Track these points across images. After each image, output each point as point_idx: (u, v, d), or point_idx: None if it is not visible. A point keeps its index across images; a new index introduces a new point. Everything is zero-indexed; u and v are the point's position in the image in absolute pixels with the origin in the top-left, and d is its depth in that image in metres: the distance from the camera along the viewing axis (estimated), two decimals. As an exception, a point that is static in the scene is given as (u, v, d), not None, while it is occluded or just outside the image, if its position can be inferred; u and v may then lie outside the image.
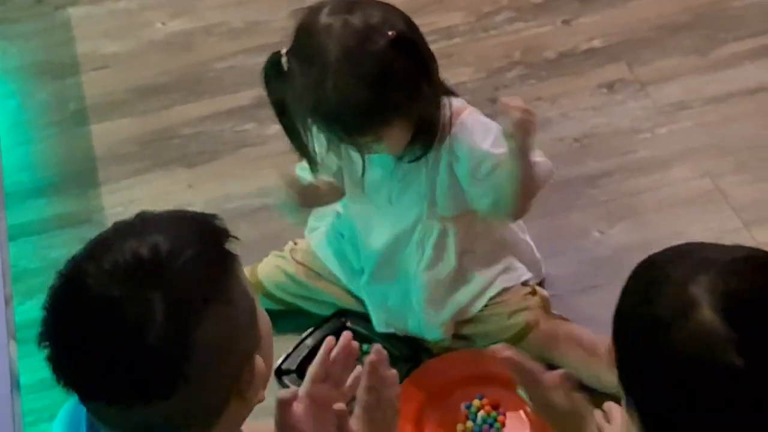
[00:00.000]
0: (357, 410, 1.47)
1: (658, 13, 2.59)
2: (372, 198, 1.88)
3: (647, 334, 1.13)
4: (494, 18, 2.66)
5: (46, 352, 1.16)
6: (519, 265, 1.96)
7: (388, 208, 1.88)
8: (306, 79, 1.68)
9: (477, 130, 1.78)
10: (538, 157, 1.77)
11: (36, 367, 2.01)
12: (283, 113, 1.78)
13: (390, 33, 1.65)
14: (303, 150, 1.80)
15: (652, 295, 1.15)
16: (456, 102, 1.80)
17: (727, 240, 2.08)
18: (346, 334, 1.56)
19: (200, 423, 1.16)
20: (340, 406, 1.43)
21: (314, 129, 1.77)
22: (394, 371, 1.50)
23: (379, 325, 1.95)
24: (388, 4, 1.72)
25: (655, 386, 1.13)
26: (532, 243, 2.02)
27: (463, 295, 1.91)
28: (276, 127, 2.42)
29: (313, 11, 1.69)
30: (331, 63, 1.64)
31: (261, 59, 2.65)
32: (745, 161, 2.27)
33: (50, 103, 2.59)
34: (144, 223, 1.18)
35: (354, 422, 1.45)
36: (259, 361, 1.18)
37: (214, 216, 1.19)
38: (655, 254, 1.22)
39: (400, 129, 1.72)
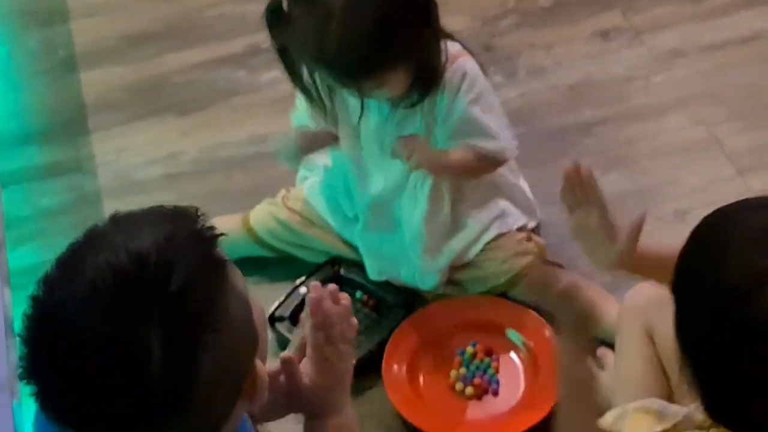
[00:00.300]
0: (308, 352, 1.38)
1: (654, -39, 2.57)
2: (366, 145, 1.87)
3: (719, 302, 1.11)
4: (489, -35, 2.63)
5: (31, 388, 1.04)
6: (514, 210, 1.96)
7: (382, 156, 1.87)
8: (308, 23, 1.66)
9: (469, 83, 1.78)
10: (485, 142, 1.80)
11: (28, 314, 2.03)
12: (285, 58, 1.76)
13: None
14: (308, 94, 1.79)
15: (720, 258, 1.12)
16: (452, 47, 1.78)
17: (721, 187, 2.11)
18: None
19: (208, 431, 1.10)
20: (284, 354, 1.37)
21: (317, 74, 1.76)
22: (342, 305, 1.37)
23: (373, 273, 1.95)
24: None
25: (723, 353, 1.11)
26: (526, 187, 2.01)
27: (458, 242, 1.91)
28: (268, 75, 2.44)
29: None
30: (335, 8, 1.63)
31: (253, 7, 2.61)
32: (740, 109, 2.26)
33: (39, 50, 2.57)
34: (120, 228, 1.06)
35: (305, 365, 1.37)
36: (259, 365, 1.12)
37: (197, 212, 1.10)
38: (723, 210, 1.19)
39: (402, 74, 1.72)
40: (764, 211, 1.17)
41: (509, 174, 1.98)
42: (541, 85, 2.34)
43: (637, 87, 2.33)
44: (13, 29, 2.63)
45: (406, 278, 1.94)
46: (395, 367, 1.84)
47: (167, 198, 2.16)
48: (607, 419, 1.37)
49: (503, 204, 1.95)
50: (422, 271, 1.92)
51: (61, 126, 2.39)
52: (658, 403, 1.39)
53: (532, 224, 1.99)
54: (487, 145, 1.81)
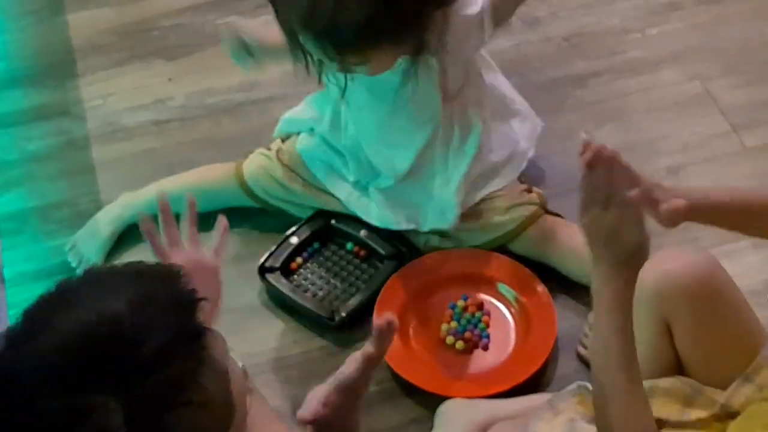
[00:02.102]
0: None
1: None
2: (381, 98, 1.81)
3: None
4: None
5: None
6: (521, 147, 1.94)
7: (400, 113, 1.82)
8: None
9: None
10: None
11: (15, 260, 2.02)
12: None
13: None
14: (298, 58, 1.71)
15: None
16: None
17: (715, 143, 2.10)
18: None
19: None
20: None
21: None
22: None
23: (399, 223, 1.90)
24: None
25: None
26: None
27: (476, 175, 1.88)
28: (258, 20, 2.39)
29: None
30: None
31: (242, -51, 2.57)
32: (735, 64, 2.24)
33: (26, -9, 2.52)
34: (94, 285, 0.99)
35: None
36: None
37: (179, 273, 1.03)
38: None
39: (389, 53, 1.68)
40: None
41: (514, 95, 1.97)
42: (536, 36, 2.31)
43: (633, 39, 2.31)
44: (-2, -31, 2.58)
45: (428, 220, 1.89)
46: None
47: (154, 144, 2.19)
48: None
49: (513, 134, 1.93)
50: (444, 206, 1.87)
51: (49, 69, 2.35)
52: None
53: (531, 153, 1.96)
54: None
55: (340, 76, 1.75)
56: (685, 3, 2.36)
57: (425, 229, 1.91)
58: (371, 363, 1.26)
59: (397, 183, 1.91)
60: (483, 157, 1.89)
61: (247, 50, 1.87)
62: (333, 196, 1.96)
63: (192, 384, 0.98)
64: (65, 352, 0.94)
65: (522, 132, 1.97)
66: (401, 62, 1.72)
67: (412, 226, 1.91)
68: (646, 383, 1.39)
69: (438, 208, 1.89)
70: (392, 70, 1.73)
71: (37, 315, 0.99)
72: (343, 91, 1.77)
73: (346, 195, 1.96)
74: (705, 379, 1.47)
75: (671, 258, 1.48)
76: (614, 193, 1.27)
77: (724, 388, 1.44)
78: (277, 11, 1.68)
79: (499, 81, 1.98)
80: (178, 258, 1.44)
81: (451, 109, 1.84)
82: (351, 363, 1.23)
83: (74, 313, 0.96)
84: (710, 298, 1.46)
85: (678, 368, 1.51)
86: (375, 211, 1.93)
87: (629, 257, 1.28)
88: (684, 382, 1.47)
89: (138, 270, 1.03)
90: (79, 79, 2.32)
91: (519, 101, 2.00)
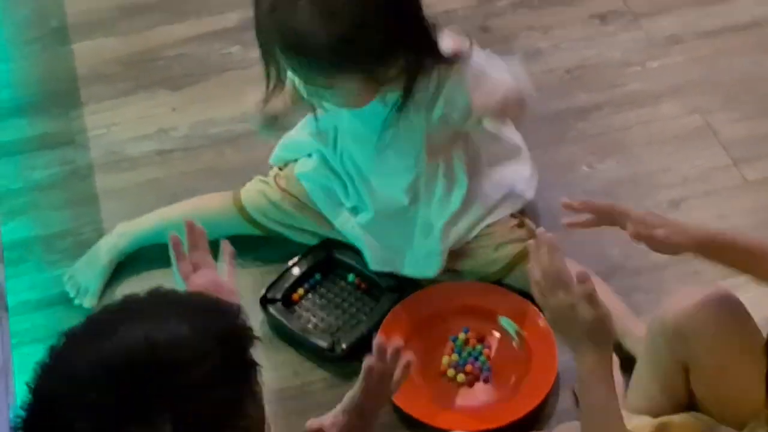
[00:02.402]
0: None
1: (654, -57, 2.55)
2: (368, 132, 1.83)
3: None
4: (485, -56, 2.61)
5: None
6: (517, 189, 1.93)
7: (381, 156, 1.84)
8: (274, 9, 1.63)
9: (476, 85, 1.76)
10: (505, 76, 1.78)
11: (19, 288, 2.02)
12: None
13: None
14: (269, 73, 1.73)
15: None
16: (446, 40, 1.73)
17: (715, 176, 2.11)
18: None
19: None
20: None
21: None
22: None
23: (376, 264, 1.93)
24: None
25: None
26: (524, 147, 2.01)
27: (464, 222, 1.88)
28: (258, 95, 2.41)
29: None
30: None
31: (246, -21, 2.58)
32: (736, 98, 2.25)
33: (31, 19, 2.54)
34: (157, 306, 1.03)
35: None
36: None
37: (239, 310, 1.07)
38: None
39: (356, 84, 1.67)
40: None
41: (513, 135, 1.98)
42: (538, 68, 2.32)
43: (634, 72, 2.32)
44: (4, -3, 2.60)
45: (409, 267, 1.91)
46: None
47: (158, 174, 2.20)
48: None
49: (509, 179, 1.93)
50: (427, 254, 1.89)
51: (53, 97, 2.36)
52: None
53: (530, 195, 1.97)
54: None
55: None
56: (685, 37, 2.37)
57: (404, 273, 1.92)
58: (371, 374, 1.28)
59: (378, 219, 1.91)
60: (472, 204, 1.89)
61: (276, 122, 1.88)
62: (329, 220, 1.97)
63: (239, 411, 1.01)
64: (124, 367, 0.97)
65: (520, 174, 1.97)
66: (381, 103, 1.73)
67: (388, 269, 1.92)
68: (661, 419, 1.40)
69: (419, 254, 1.90)
70: (376, 108, 1.74)
71: (93, 328, 1.02)
72: (315, 114, 1.80)
73: (341, 222, 1.96)
74: (720, 417, 1.47)
75: (689, 296, 1.50)
76: (561, 278, 1.34)
77: (739, 427, 1.44)
78: (258, 29, 1.69)
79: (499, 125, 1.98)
80: (200, 280, 1.47)
81: (437, 161, 1.85)
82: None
83: (138, 328, 0.99)
84: (729, 335, 1.46)
85: (693, 404, 1.51)
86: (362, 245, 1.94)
87: (590, 335, 1.33)
88: (699, 419, 1.47)
89: (200, 299, 1.08)
90: (84, 108, 2.33)
91: (518, 140, 1.99)
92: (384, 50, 1.64)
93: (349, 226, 1.95)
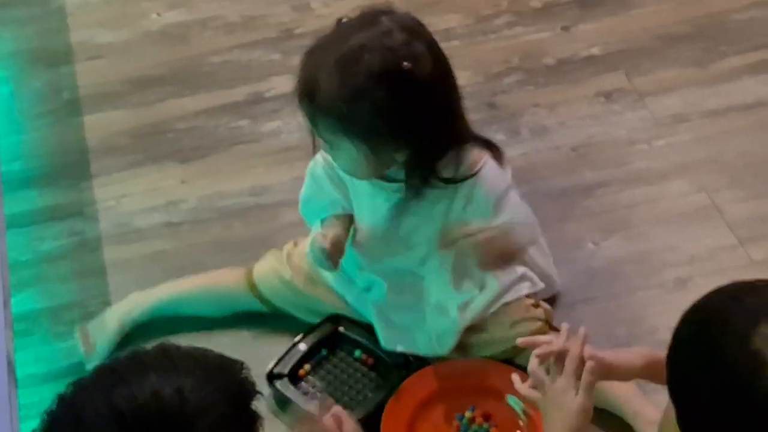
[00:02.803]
0: None
1: (659, 23, 2.58)
2: (380, 223, 1.86)
3: (720, 394, 1.12)
4: (493, 21, 2.64)
5: None
6: (532, 274, 1.94)
7: (396, 238, 1.87)
8: (312, 55, 1.71)
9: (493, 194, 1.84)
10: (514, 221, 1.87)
11: (25, 361, 2.02)
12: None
13: (405, 64, 1.64)
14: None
15: (713, 351, 1.13)
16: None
17: (722, 256, 2.11)
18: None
19: None
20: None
21: None
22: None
23: (388, 343, 1.92)
24: (432, 39, 1.72)
25: None
26: (548, 258, 2.02)
27: (480, 300, 1.89)
28: (271, 125, 2.44)
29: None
30: (341, 52, 1.65)
31: (256, 54, 2.64)
32: (742, 177, 2.26)
33: (44, 91, 2.56)
34: (164, 360, 1.06)
35: None
36: None
37: (242, 366, 1.11)
38: (708, 298, 1.21)
39: (356, 153, 1.71)
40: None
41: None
42: (544, 145, 2.34)
43: (640, 150, 2.34)
44: (17, 69, 2.62)
45: (422, 346, 1.91)
46: (393, 429, 1.83)
47: (166, 246, 2.21)
48: None
49: (521, 269, 1.94)
50: (443, 333, 1.89)
51: (64, 169, 2.38)
52: None
53: (546, 294, 1.98)
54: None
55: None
56: (691, 115, 2.39)
57: (420, 353, 1.91)
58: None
59: (390, 295, 1.91)
60: (486, 282, 1.90)
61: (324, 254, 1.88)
62: (341, 297, 1.97)
63: None
64: (132, 417, 0.99)
65: (538, 258, 1.98)
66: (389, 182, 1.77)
67: (401, 349, 1.91)
68: None
69: (433, 333, 1.90)
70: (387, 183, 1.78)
71: (103, 378, 1.04)
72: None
73: (354, 298, 1.97)
74: None
75: None
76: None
77: None
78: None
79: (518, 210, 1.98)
80: None
81: (448, 252, 1.87)
82: None
83: (146, 380, 1.01)
84: None
85: None
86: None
87: (576, 419, 1.44)
88: None
89: (205, 354, 1.09)
90: (93, 180, 2.35)
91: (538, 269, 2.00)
92: (387, 134, 1.68)
93: (361, 303, 1.96)
